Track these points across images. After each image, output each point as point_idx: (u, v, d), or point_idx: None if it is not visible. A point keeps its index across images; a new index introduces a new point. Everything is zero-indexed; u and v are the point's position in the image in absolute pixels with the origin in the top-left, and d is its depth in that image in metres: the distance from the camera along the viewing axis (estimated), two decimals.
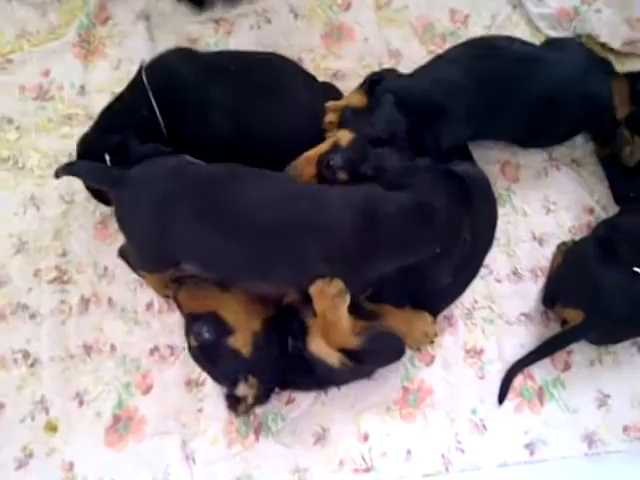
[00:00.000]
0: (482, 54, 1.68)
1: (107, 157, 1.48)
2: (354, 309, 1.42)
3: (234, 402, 1.45)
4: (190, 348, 1.46)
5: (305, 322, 1.45)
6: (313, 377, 1.47)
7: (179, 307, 1.52)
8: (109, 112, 1.58)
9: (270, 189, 1.38)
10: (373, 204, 1.38)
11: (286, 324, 1.47)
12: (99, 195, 1.61)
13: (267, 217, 1.33)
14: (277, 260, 1.34)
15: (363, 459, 1.56)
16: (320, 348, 1.41)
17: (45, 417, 1.57)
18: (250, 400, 1.43)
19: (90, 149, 1.54)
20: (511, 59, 1.67)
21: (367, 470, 1.56)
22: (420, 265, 1.43)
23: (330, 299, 1.36)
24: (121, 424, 1.57)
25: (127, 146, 1.48)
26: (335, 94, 1.77)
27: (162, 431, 1.57)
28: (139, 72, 1.56)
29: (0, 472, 1.52)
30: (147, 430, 1.57)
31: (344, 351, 1.41)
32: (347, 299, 1.37)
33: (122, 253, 1.58)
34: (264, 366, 1.43)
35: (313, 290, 1.37)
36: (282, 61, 1.75)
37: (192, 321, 1.44)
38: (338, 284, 1.36)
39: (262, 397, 1.47)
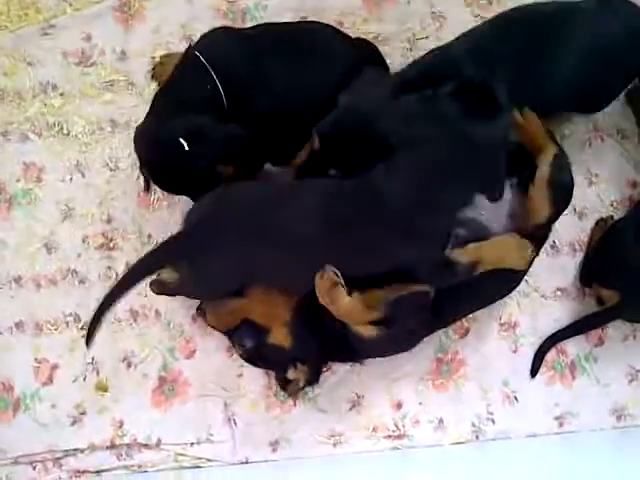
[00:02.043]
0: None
1: (184, 142, 1.41)
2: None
3: (284, 382, 1.54)
4: (240, 356, 1.56)
5: None
6: (353, 351, 1.53)
7: (215, 329, 1.59)
8: (168, 95, 1.54)
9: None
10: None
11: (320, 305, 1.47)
12: None
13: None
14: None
15: (396, 426, 1.64)
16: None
17: (96, 377, 1.66)
18: (302, 383, 1.51)
19: (160, 137, 1.47)
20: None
21: (400, 437, 1.63)
22: None
23: (326, 294, 1.34)
24: (167, 386, 1.66)
25: (206, 127, 1.44)
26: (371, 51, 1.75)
27: (205, 394, 1.65)
28: (189, 52, 1.55)
29: (57, 427, 1.63)
30: (191, 392, 1.65)
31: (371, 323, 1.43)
32: (342, 289, 1.35)
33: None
34: (308, 350, 1.50)
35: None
36: (320, 26, 1.73)
37: (231, 335, 1.54)
38: (329, 276, 1.33)
39: (313, 378, 1.54)
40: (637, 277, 1.55)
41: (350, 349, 1.50)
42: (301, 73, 1.57)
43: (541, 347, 1.66)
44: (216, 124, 1.48)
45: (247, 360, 1.56)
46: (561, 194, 1.50)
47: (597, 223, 1.73)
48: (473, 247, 1.41)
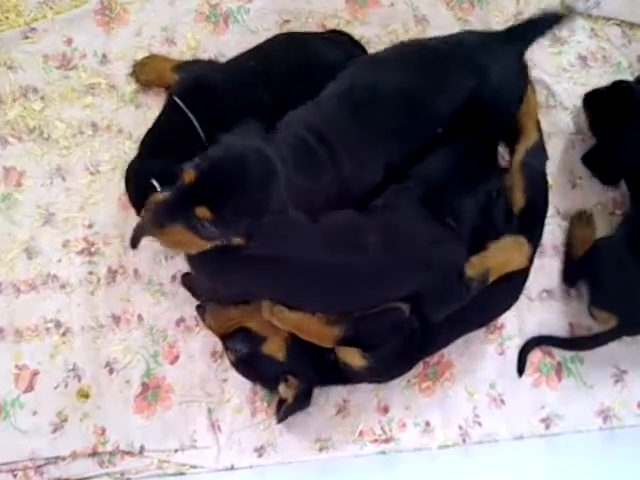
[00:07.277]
0: None
1: (155, 183, 1.44)
2: None
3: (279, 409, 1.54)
4: (231, 363, 1.54)
5: None
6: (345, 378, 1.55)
7: (211, 331, 1.57)
8: (151, 137, 1.60)
9: None
10: None
11: None
12: None
13: None
14: None
15: (383, 430, 1.63)
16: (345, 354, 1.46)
17: (77, 384, 1.63)
18: (290, 400, 1.49)
19: (137, 176, 1.57)
20: None
21: (386, 441, 1.62)
22: None
23: (271, 317, 1.40)
24: (149, 392, 1.63)
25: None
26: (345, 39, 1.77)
27: (188, 399, 1.63)
28: (171, 96, 1.57)
29: (38, 434, 1.59)
30: (174, 398, 1.63)
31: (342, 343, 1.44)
32: (282, 309, 1.40)
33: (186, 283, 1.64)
34: (301, 366, 1.49)
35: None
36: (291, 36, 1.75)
37: (226, 340, 1.51)
38: (266, 306, 1.40)
39: (302, 398, 1.51)
40: (635, 301, 1.56)
41: (342, 375, 1.52)
42: (293, 92, 1.53)
43: (525, 346, 1.66)
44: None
45: (237, 368, 1.54)
46: (533, 179, 1.53)
47: (581, 217, 1.72)
48: (477, 259, 1.42)
